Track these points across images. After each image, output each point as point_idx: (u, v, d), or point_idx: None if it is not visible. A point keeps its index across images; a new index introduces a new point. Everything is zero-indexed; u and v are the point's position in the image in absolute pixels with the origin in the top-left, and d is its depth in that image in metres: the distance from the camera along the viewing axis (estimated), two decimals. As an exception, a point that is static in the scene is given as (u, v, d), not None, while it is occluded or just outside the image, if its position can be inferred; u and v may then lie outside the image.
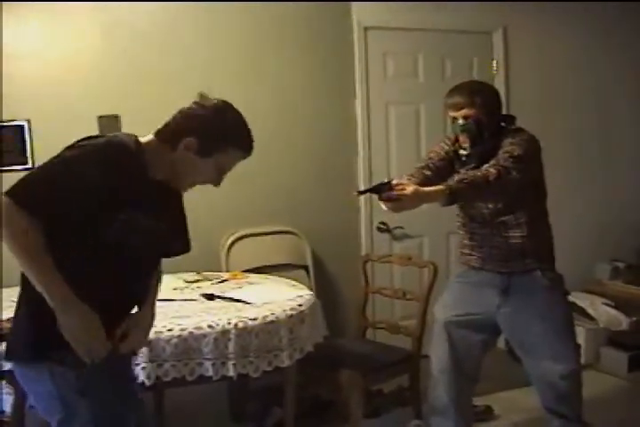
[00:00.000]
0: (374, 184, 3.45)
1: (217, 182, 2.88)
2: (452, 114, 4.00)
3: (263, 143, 5.54)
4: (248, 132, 2.90)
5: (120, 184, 2.62)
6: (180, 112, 2.81)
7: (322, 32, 5.82)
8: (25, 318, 2.73)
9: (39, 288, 2.58)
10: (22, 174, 4.69)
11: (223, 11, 5.44)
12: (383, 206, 3.46)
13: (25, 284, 2.71)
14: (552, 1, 6.37)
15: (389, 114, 6.13)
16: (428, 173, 3.98)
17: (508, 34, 6.45)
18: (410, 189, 3.40)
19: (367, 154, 6.02)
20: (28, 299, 2.72)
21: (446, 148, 4.17)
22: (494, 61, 6.42)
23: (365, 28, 5.93)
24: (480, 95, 3.97)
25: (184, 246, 3.09)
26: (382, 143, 6.08)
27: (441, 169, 4.05)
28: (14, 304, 4.03)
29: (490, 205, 4.05)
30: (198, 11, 5.34)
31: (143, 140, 2.80)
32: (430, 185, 3.75)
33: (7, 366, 3.32)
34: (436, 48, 6.24)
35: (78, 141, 2.69)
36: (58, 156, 2.64)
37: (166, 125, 2.82)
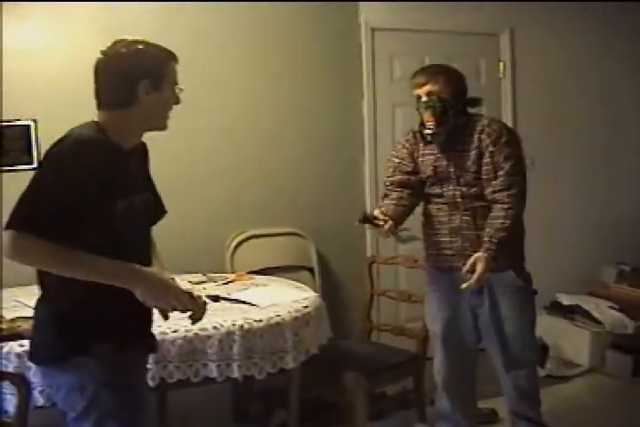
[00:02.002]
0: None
1: (178, 101, 2.86)
2: (416, 92, 4.06)
3: (269, 144, 5.63)
4: (160, 46, 2.85)
5: (104, 177, 2.62)
6: (105, 72, 2.79)
7: (329, 33, 5.81)
8: (46, 317, 2.75)
9: (98, 281, 2.60)
10: (27, 174, 4.78)
11: (229, 10, 5.43)
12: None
13: (41, 284, 2.74)
14: (557, 0, 6.35)
15: (396, 115, 6.12)
16: (398, 189, 4.19)
17: (515, 35, 6.45)
18: (479, 267, 3.75)
19: (373, 155, 6.01)
20: (46, 299, 2.75)
21: (405, 151, 4.21)
22: (501, 63, 6.40)
23: (372, 30, 5.92)
24: (442, 73, 4.05)
25: (162, 209, 3.08)
26: (388, 145, 6.02)
27: (405, 183, 4.18)
28: (18, 304, 4.07)
29: (463, 189, 4.04)
30: (203, 10, 5.33)
31: (100, 119, 2.78)
32: (406, 199, 4.17)
33: (10, 366, 3.32)
34: (443, 50, 6.19)
35: (49, 150, 2.66)
36: (36, 174, 2.63)
37: (106, 92, 2.79)
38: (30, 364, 3.29)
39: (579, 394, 4.37)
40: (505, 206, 3.87)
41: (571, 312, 6.17)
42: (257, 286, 4.57)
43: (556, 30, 6.53)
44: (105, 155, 2.63)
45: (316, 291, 4.67)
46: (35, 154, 4.93)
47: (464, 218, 4.06)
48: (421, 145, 4.15)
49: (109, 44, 2.80)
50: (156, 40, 2.85)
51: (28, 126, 4.91)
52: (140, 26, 5.06)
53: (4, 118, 4.85)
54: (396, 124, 6.12)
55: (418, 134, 4.14)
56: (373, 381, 4.51)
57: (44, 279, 2.72)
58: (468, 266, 3.79)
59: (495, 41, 6.46)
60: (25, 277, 4.65)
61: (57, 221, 2.52)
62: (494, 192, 3.92)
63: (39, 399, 3.33)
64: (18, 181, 4.82)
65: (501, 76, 6.43)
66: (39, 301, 2.80)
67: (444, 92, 3.96)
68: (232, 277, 4.79)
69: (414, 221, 5.90)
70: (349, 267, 5.85)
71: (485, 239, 3.86)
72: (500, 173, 3.91)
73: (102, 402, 2.68)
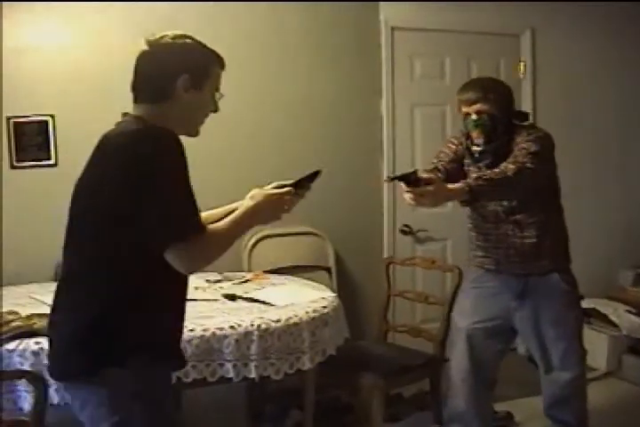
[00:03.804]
0: (403, 173, 3.39)
1: (216, 109, 2.83)
2: (465, 109, 3.99)
3: (287, 144, 5.62)
4: (209, 47, 2.80)
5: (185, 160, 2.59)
6: (146, 62, 2.71)
7: (349, 32, 5.78)
8: (74, 329, 2.58)
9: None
10: (45, 170, 4.78)
11: (248, 10, 5.41)
12: (407, 199, 3.38)
13: (66, 296, 2.64)
14: (579, 0, 6.31)
15: (415, 115, 6.09)
16: (439, 175, 3.93)
17: (536, 36, 6.40)
18: (434, 184, 3.35)
19: (392, 155, 5.97)
20: (74, 311, 2.60)
21: (454, 147, 4.15)
22: (522, 63, 6.37)
23: (392, 29, 5.88)
24: (493, 91, 3.97)
25: None
26: (407, 145, 6.04)
27: (451, 171, 4.01)
28: (33, 301, 4.05)
29: (504, 203, 4.02)
30: (220, 10, 5.32)
31: (141, 113, 2.69)
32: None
33: (26, 364, 3.31)
34: (463, 50, 6.18)
35: (118, 147, 2.55)
36: (146, 177, 2.47)
37: (144, 83, 2.71)
38: (46, 361, 3.28)
39: (595, 398, 4.33)
40: (511, 165, 3.70)
41: (588, 316, 6.13)
42: (274, 285, 4.54)
43: (577, 31, 6.47)
44: (180, 143, 2.57)
45: (333, 291, 4.65)
46: (52, 150, 4.91)
47: (509, 226, 4.03)
48: (468, 156, 4.10)
49: (150, 38, 2.71)
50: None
51: (46, 122, 4.89)
52: (164, 22, 5.04)
53: (22, 114, 4.84)
54: (414, 125, 6.09)
55: (464, 151, 4.09)
56: (390, 382, 4.48)
57: (70, 291, 2.63)
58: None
59: (516, 41, 6.41)
60: (40, 273, 4.70)
61: (197, 212, 2.56)
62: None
63: (55, 397, 3.30)
64: (35, 177, 4.86)
65: (521, 76, 6.37)
66: (62, 314, 2.65)
67: (494, 111, 3.91)
68: (249, 276, 4.77)
69: (432, 223, 5.92)
70: (366, 267, 5.82)
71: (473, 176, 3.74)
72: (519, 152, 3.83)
73: (134, 415, 2.59)
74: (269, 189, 2.89)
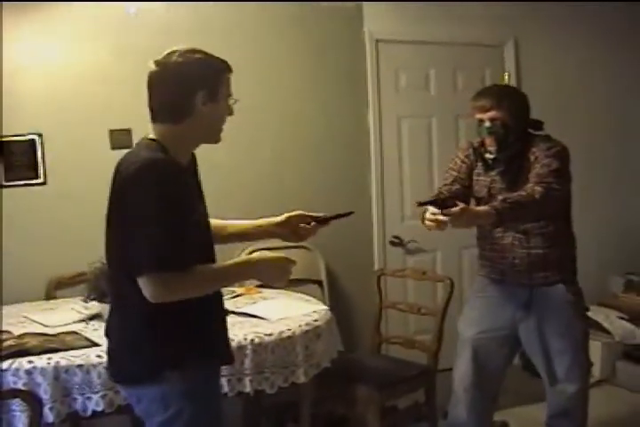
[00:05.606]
0: (434, 197, 3.42)
1: (232, 112, 2.87)
2: (479, 116, 3.98)
3: (275, 157, 5.61)
4: (214, 56, 2.83)
5: (185, 196, 2.68)
6: (161, 82, 2.76)
7: (333, 45, 5.79)
8: (136, 338, 2.76)
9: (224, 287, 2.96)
10: (32, 189, 4.78)
11: (234, 22, 5.43)
12: (428, 223, 3.42)
13: (125, 307, 2.79)
14: (565, 0, 6.34)
15: (402, 127, 6.11)
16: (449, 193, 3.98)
17: (520, 46, 6.43)
18: (459, 206, 3.37)
19: (379, 167, 5.99)
20: (133, 319, 2.76)
21: (458, 164, 4.14)
22: (506, 74, 6.39)
23: (377, 41, 5.91)
24: (508, 98, 3.97)
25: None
26: (394, 156, 6.05)
27: (454, 193, 4.00)
28: (26, 320, 4.04)
29: None
30: (207, 24, 5.33)
31: (156, 136, 2.78)
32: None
33: (19, 383, 3.29)
34: (448, 61, 6.21)
35: (126, 181, 2.65)
36: (131, 207, 2.62)
37: (162, 104, 2.76)
38: (39, 380, 3.29)
39: (591, 405, 4.32)
40: (537, 188, 3.71)
41: (580, 323, 6.14)
42: (265, 299, 4.54)
43: (562, 40, 6.50)
44: (179, 175, 2.67)
45: (325, 304, 4.64)
46: (41, 168, 4.91)
47: (516, 236, 4.02)
48: (479, 164, 4.11)
49: (157, 58, 2.77)
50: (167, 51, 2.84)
51: (34, 141, 4.89)
52: (151, 37, 5.04)
53: (10, 133, 4.84)
54: (402, 136, 6.11)
55: (477, 154, 4.09)
56: (385, 394, 4.47)
57: (128, 304, 2.74)
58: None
59: (500, 52, 6.44)
60: (31, 292, 4.69)
61: (181, 249, 2.59)
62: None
63: (49, 416, 3.30)
64: (23, 196, 4.85)
65: (506, 86, 6.39)
66: (119, 323, 2.84)
67: (507, 118, 3.90)
68: (240, 290, 4.75)
69: (422, 235, 5.92)
70: (358, 279, 5.82)
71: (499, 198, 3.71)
72: (541, 170, 3.83)
73: (183, 412, 2.75)
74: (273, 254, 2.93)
